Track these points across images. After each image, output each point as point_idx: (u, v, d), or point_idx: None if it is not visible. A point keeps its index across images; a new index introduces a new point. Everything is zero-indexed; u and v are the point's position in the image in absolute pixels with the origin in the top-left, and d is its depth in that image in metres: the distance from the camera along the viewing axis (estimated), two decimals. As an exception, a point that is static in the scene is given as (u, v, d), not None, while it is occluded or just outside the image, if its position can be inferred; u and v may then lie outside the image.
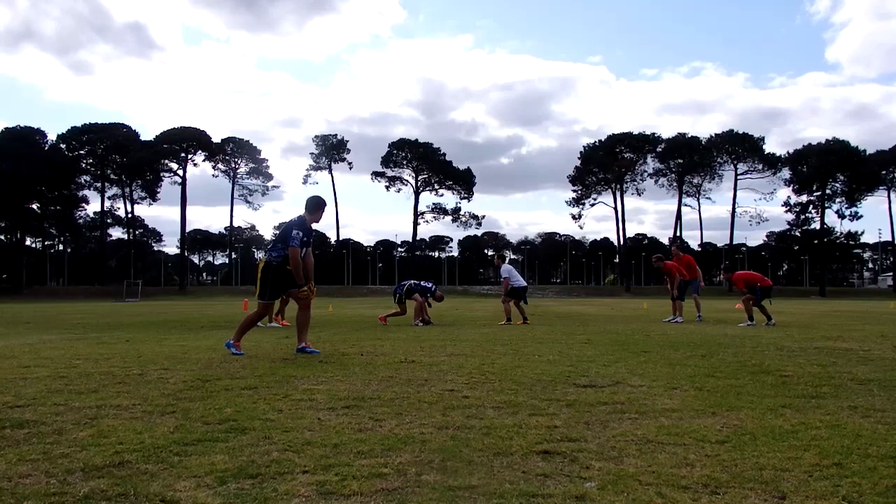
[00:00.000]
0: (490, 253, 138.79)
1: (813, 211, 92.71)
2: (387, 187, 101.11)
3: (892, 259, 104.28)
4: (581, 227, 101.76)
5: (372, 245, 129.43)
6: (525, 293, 15.17)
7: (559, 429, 3.68)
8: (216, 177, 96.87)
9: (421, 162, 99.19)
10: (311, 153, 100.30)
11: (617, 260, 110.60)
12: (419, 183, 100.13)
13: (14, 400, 4.64)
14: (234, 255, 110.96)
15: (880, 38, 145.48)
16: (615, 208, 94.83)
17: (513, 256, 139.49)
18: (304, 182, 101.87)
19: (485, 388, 5.13)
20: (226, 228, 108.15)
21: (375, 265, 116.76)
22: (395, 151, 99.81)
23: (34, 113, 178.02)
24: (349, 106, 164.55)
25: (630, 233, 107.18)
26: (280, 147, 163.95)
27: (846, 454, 3.16)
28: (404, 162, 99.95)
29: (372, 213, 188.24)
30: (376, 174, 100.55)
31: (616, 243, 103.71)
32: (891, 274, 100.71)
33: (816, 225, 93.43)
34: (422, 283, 14.78)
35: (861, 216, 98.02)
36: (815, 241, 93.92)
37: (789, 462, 3.04)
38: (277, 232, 8.23)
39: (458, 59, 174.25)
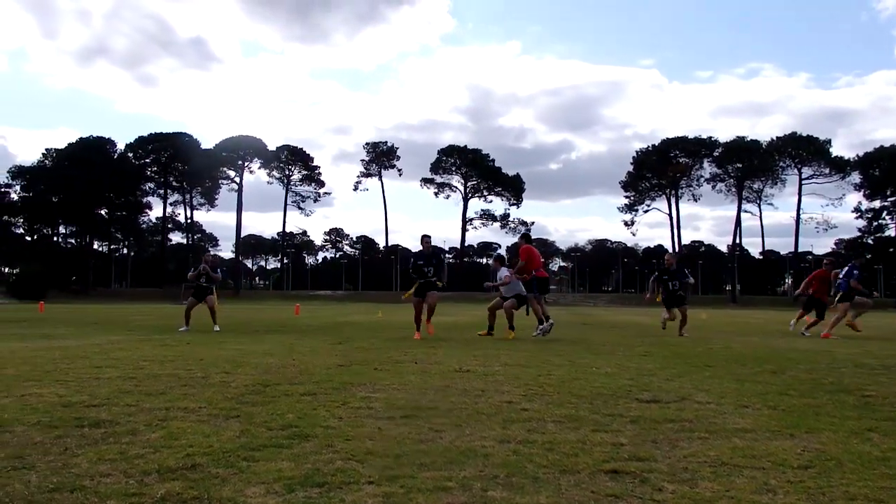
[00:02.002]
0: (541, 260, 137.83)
1: (887, 217, 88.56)
2: (436, 193, 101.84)
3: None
4: (633, 234, 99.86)
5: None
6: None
7: (626, 447, 3.58)
8: (271, 183, 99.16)
9: (470, 168, 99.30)
10: (362, 160, 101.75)
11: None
12: (468, 189, 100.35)
13: (89, 399, 4.81)
14: (285, 260, 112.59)
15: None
16: (670, 214, 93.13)
17: (562, 263, 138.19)
18: (355, 189, 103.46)
19: (543, 400, 5.06)
20: (278, 234, 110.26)
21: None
22: (444, 158, 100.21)
23: (105, 123, 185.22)
24: (398, 113, 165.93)
25: (685, 239, 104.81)
26: (331, 154, 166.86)
27: (953, 486, 2.95)
28: (453, 168, 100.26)
29: (420, 219, 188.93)
30: (425, 180, 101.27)
31: (671, 251, 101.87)
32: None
33: (892, 232, 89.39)
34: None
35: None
36: (891, 249, 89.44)
37: (883, 492, 2.84)
38: None
39: (506, 65, 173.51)
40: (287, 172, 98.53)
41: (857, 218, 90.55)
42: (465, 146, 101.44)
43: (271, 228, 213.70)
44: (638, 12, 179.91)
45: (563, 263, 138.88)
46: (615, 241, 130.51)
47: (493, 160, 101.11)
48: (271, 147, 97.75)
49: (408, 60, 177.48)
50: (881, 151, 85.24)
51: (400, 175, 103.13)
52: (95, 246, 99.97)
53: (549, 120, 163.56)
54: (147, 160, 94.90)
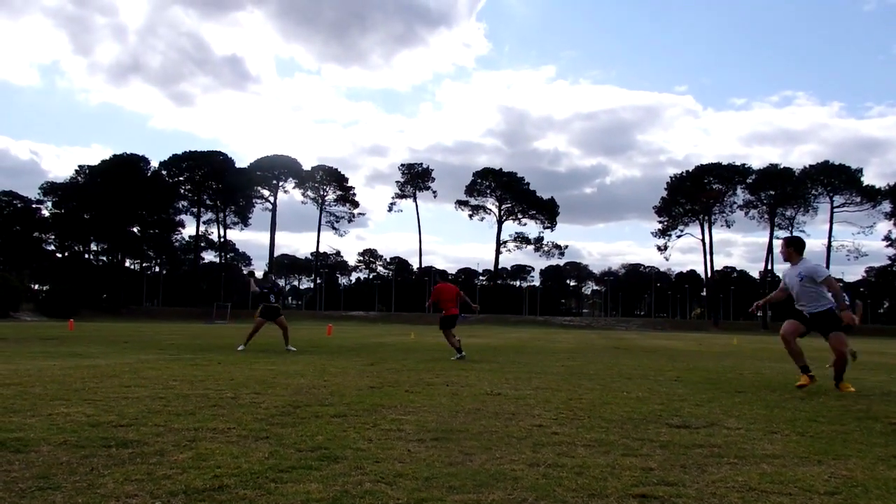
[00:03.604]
0: (572, 283, 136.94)
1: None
2: (470, 216, 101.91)
3: None
4: (667, 259, 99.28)
5: (454, 273, 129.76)
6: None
7: (655, 471, 3.57)
8: (305, 203, 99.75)
9: (504, 191, 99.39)
10: (397, 181, 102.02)
11: (704, 293, 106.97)
12: (502, 212, 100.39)
13: (118, 419, 4.83)
14: (318, 280, 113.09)
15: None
16: (702, 240, 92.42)
17: (595, 287, 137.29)
18: (390, 210, 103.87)
19: (574, 424, 5.04)
20: (312, 254, 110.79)
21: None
22: (478, 180, 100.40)
23: (139, 141, 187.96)
24: (433, 135, 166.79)
25: (717, 265, 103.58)
26: (365, 175, 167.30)
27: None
28: (488, 191, 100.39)
29: (454, 241, 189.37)
30: (460, 203, 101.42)
31: (703, 276, 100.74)
32: None
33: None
34: None
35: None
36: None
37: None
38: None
39: (541, 89, 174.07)
40: (322, 192, 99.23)
41: (887, 246, 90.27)
42: (500, 169, 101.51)
43: (305, 248, 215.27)
44: (673, 39, 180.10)
45: (595, 287, 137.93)
46: (648, 266, 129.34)
47: (528, 183, 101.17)
48: (306, 167, 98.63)
49: (443, 83, 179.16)
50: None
51: (434, 197, 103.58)
52: (127, 264, 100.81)
53: (584, 144, 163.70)
54: (181, 178, 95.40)
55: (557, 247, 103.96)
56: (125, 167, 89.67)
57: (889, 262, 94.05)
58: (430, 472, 3.43)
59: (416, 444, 4.15)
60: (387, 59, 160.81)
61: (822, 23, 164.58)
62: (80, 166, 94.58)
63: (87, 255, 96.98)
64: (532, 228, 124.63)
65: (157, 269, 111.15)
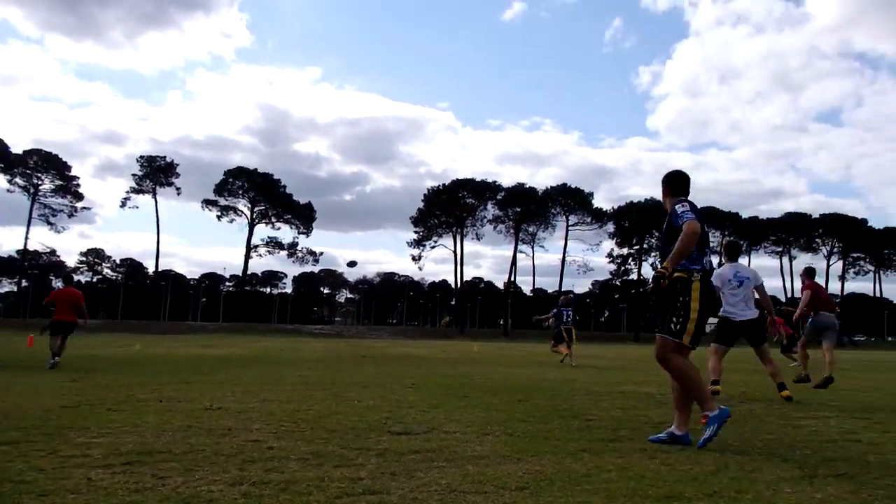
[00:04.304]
0: (326, 291, 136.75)
1: (632, 262, 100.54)
2: (218, 217, 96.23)
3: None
4: (420, 269, 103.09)
5: (196, 278, 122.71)
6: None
7: (363, 481, 3.50)
8: (11, 192, 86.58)
9: (258, 193, 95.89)
10: (134, 174, 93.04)
11: (453, 302, 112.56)
12: (255, 215, 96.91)
13: None
14: (24, 283, 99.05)
15: (691, 113, 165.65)
16: (455, 251, 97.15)
17: (350, 295, 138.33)
18: (123, 205, 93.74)
19: (293, 437, 4.84)
20: (18, 252, 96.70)
21: (199, 300, 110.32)
22: (230, 180, 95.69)
23: None
24: (181, 126, 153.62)
25: (467, 276, 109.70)
26: (94, 165, 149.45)
27: (630, 496, 3.30)
28: (240, 191, 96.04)
29: (199, 243, 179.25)
30: (208, 202, 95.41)
31: (453, 285, 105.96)
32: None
33: (635, 276, 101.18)
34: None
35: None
36: (633, 291, 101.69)
37: (579, 504, 3.09)
38: None
39: (305, 90, 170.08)
40: (35, 181, 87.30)
41: (609, 262, 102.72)
42: (255, 169, 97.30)
43: (9, 245, 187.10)
44: (437, 56, 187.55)
45: (350, 295, 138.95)
46: (403, 275, 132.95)
47: (285, 186, 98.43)
48: (16, 150, 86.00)
49: (197, 71, 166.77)
50: (631, 206, 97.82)
51: (178, 194, 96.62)
52: None
53: (346, 150, 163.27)
54: None
55: (312, 253, 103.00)
56: None
57: (610, 276, 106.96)
58: (107, 503, 3.03)
59: (101, 471, 3.65)
60: (130, 37, 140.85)
61: (571, 57, 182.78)
62: None
63: None
64: (287, 233, 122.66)
65: None
